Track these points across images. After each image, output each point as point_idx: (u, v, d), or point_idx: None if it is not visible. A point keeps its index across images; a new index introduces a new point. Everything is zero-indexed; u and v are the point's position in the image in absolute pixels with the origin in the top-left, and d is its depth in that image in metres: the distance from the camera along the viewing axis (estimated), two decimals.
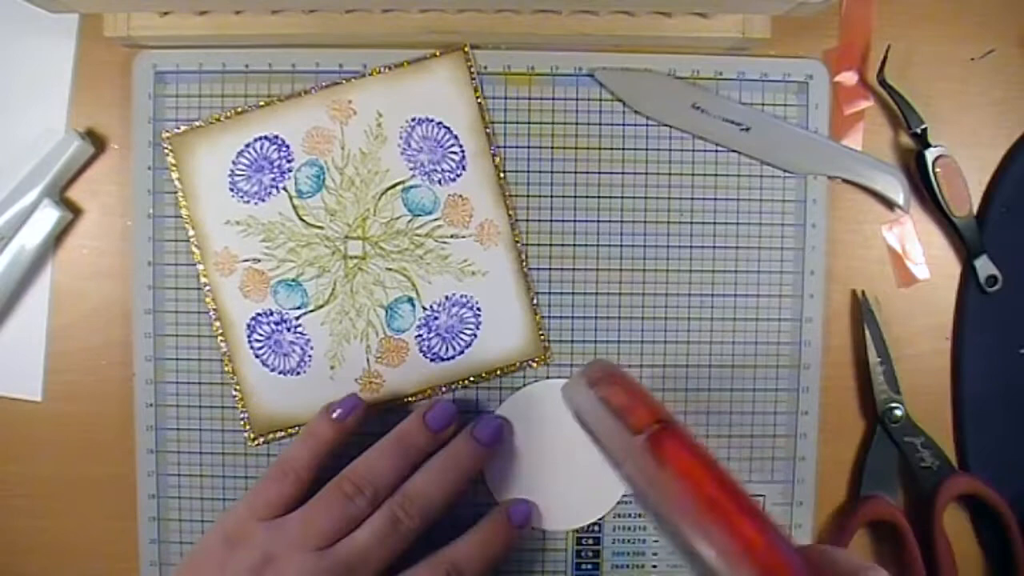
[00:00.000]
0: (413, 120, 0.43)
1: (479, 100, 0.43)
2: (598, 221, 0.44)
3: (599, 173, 0.44)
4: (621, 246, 0.44)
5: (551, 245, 0.44)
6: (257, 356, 0.43)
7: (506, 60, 0.44)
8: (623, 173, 0.44)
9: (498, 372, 0.44)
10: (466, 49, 0.43)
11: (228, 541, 0.38)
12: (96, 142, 0.44)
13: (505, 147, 0.44)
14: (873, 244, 0.45)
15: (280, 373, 0.43)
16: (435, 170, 0.43)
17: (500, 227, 0.43)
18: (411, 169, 0.43)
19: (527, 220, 0.44)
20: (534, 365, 0.44)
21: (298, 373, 0.43)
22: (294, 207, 0.43)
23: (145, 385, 0.44)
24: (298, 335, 0.43)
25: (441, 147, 0.43)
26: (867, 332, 0.44)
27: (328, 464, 0.40)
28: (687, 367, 0.44)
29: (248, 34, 0.42)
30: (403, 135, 0.43)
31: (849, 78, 0.45)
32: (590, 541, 0.44)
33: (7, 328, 0.44)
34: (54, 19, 0.42)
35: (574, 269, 0.44)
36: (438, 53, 0.43)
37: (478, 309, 0.43)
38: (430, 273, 0.43)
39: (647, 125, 0.44)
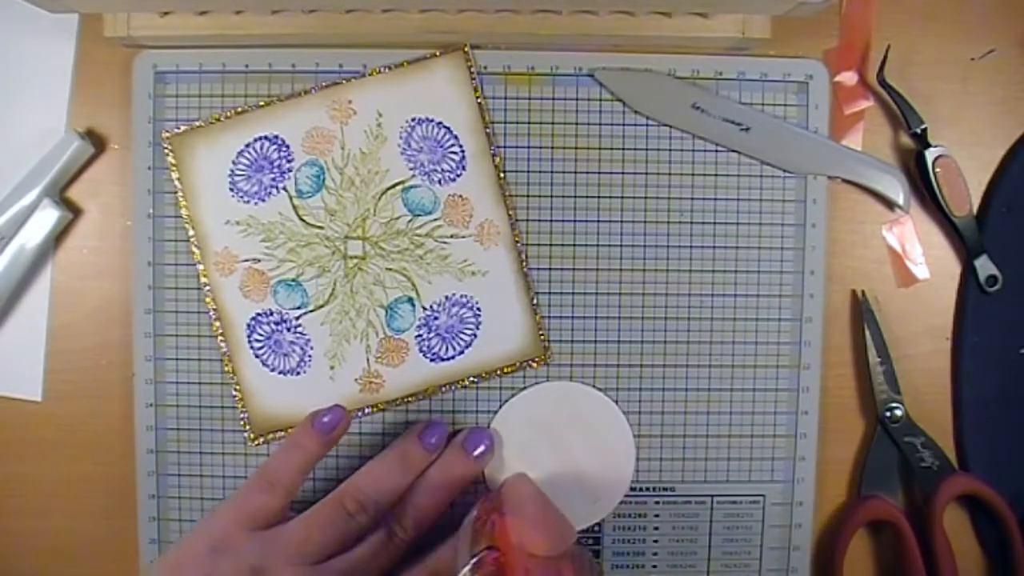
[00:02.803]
0: (413, 120, 0.43)
1: (479, 100, 0.43)
2: (598, 221, 0.44)
3: (599, 173, 0.44)
4: (621, 246, 0.44)
5: (551, 245, 0.44)
6: (257, 356, 0.43)
7: (506, 60, 0.44)
8: (623, 173, 0.44)
9: (498, 372, 0.44)
10: (466, 49, 0.43)
11: (215, 549, 0.37)
12: (96, 142, 0.44)
13: (505, 147, 0.44)
14: (873, 244, 0.45)
15: (280, 373, 0.43)
16: (435, 170, 0.43)
17: (500, 227, 0.43)
18: (411, 169, 0.43)
19: (527, 220, 0.44)
20: (534, 365, 0.44)
21: (298, 373, 0.43)
22: (294, 207, 0.43)
23: (145, 385, 0.44)
24: (298, 335, 0.43)
25: (441, 147, 0.43)
26: (867, 332, 0.44)
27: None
28: (687, 367, 0.44)
29: (248, 34, 0.42)
30: (403, 135, 0.43)
31: (849, 78, 0.45)
32: (590, 541, 0.44)
33: (7, 328, 0.44)
34: (54, 19, 0.42)
35: (574, 269, 0.44)
36: (438, 53, 0.43)
37: (478, 309, 0.43)
38: (430, 273, 0.43)
39: (647, 125, 0.44)
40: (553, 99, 0.44)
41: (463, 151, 0.43)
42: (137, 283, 0.44)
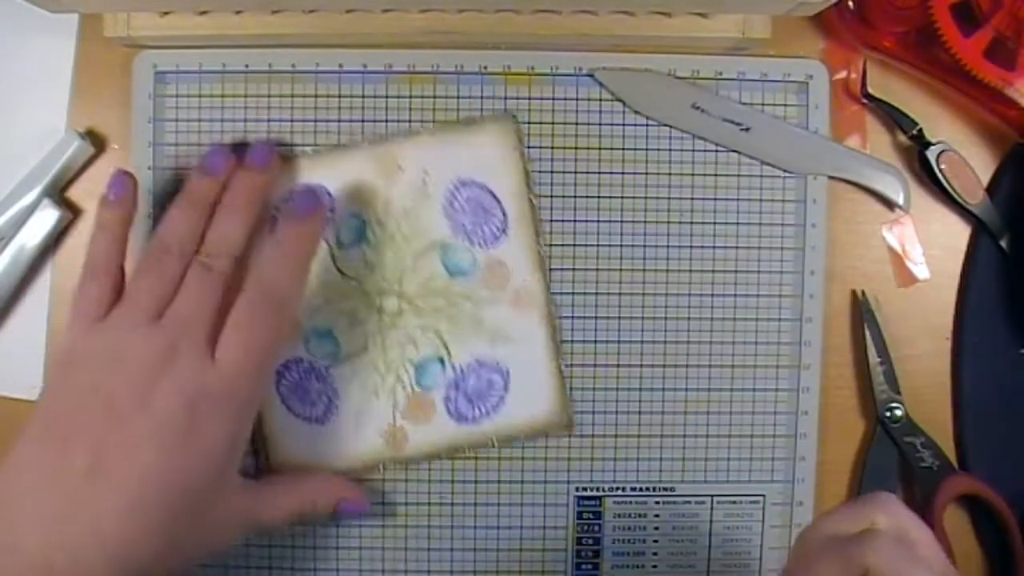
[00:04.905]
0: (458, 181, 0.43)
1: (525, 166, 0.43)
2: (598, 221, 0.44)
3: (599, 173, 0.44)
4: (621, 246, 0.44)
5: (551, 245, 0.44)
6: (283, 401, 0.43)
7: (506, 60, 0.44)
8: (623, 173, 0.44)
9: (522, 438, 0.43)
10: (515, 116, 0.43)
11: (64, 364, 0.37)
12: (96, 142, 0.44)
13: None
14: (873, 244, 0.45)
15: (304, 420, 0.43)
16: (476, 233, 0.43)
17: (536, 295, 0.43)
18: (452, 230, 0.43)
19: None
20: (559, 433, 0.44)
21: (323, 422, 0.43)
22: (333, 257, 0.43)
23: None
24: (326, 384, 0.43)
25: (484, 210, 0.43)
26: (867, 332, 0.44)
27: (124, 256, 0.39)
28: (687, 367, 0.44)
29: (248, 34, 0.42)
30: (447, 195, 0.43)
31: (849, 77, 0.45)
32: (590, 541, 0.44)
33: (7, 328, 0.44)
34: (54, 19, 0.42)
35: (574, 269, 0.44)
36: (487, 117, 0.43)
37: (507, 374, 0.43)
38: (462, 334, 0.43)
39: (647, 125, 0.44)
40: (553, 99, 0.44)
41: (505, 216, 0.43)
42: None
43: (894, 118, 0.44)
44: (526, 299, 0.43)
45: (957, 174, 0.44)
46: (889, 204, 0.45)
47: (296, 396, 0.43)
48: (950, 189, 0.43)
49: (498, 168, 0.43)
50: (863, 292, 0.45)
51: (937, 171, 0.43)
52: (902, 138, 0.45)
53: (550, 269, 0.44)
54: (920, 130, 0.43)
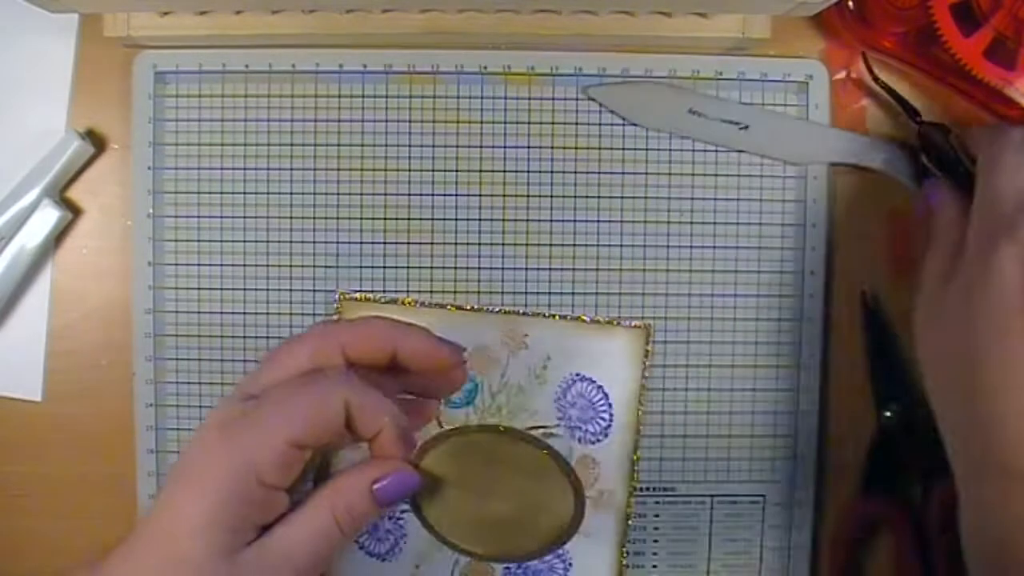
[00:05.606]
0: (576, 375, 0.43)
1: (644, 381, 0.43)
2: (598, 221, 0.44)
3: (599, 173, 0.44)
4: (621, 246, 0.44)
5: (551, 245, 0.44)
6: None
7: (506, 60, 0.44)
8: (623, 173, 0.44)
9: None
10: (650, 328, 0.43)
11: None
12: (96, 142, 0.44)
13: (505, 147, 0.44)
14: (875, 243, 0.45)
15: (368, 554, 0.43)
16: (579, 428, 0.43)
17: (617, 500, 0.43)
18: (558, 419, 0.43)
19: (527, 220, 0.44)
20: None
21: (385, 559, 0.43)
22: (438, 411, 0.43)
23: (145, 385, 0.44)
24: (397, 526, 0.43)
25: (593, 409, 0.43)
26: (868, 331, 0.44)
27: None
28: (687, 367, 0.44)
29: (248, 34, 0.42)
30: (562, 385, 0.43)
31: (849, 77, 0.45)
32: None
33: (7, 328, 0.44)
34: (54, 19, 0.42)
35: (574, 269, 0.44)
36: (624, 322, 0.43)
37: (569, 564, 0.44)
38: None
39: (647, 126, 0.44)
40: (553, 99, 0.44)
41: (611, 420, 0.43)
42: (137, 283, 0.44)
43: (903, 106, 0.43)
44: (607, 502, 0.43)
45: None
46: (895, 184, 0.43)
47: (366, 531, 0.43)
48: (966, 165, 0.43)
49: (619, 375, 0.43)
50: (864, 292, 0.45)
51: (951, 148, 0.43)
52: (903, 136, 0.45)
53: (550, 268, 0.44)
54: (922, 121, 0.42)
